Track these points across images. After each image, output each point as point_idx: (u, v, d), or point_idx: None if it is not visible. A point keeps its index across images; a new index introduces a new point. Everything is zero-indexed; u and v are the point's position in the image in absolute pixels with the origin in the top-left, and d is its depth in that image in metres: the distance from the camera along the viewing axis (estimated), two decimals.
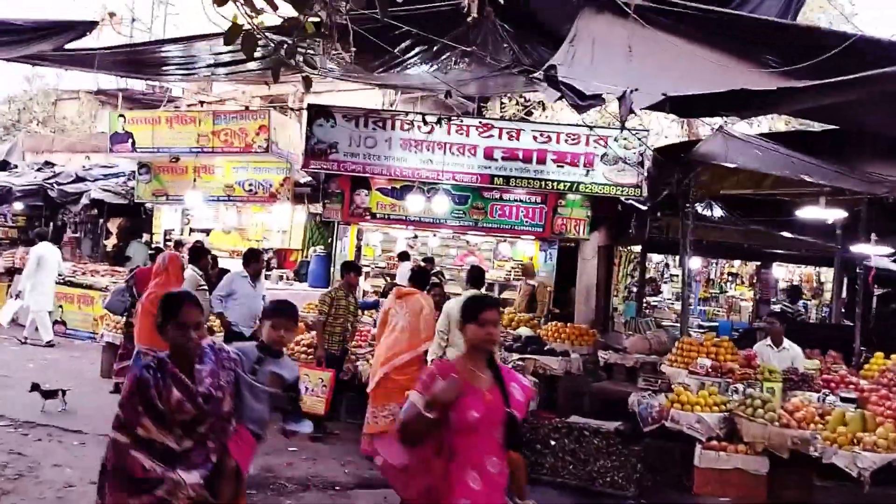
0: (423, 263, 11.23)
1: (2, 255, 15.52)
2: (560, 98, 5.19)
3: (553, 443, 6.46)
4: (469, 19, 5.75)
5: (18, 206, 16.82)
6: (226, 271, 9.40)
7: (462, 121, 12.07)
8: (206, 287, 8.53)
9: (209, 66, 8.67)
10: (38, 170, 16.87)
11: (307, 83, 5.75)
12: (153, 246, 13.48)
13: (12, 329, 13.02)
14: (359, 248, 12.95)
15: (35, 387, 8.09)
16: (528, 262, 12.75)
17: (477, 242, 14.09)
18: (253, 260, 8.65)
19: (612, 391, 8.34)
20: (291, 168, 13.84)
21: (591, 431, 6.62)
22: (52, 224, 17.51)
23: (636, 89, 4.96)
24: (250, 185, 14.18)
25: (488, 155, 11.80)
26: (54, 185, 15.52)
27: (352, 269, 8.56)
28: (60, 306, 14.19)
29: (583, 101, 5.16)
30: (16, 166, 17.84)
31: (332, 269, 13.13)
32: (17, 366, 10.77)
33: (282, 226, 14.54)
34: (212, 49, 7.69)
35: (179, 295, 3.59)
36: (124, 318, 9.67)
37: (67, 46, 7.18)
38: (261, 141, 13.24)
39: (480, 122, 12.14)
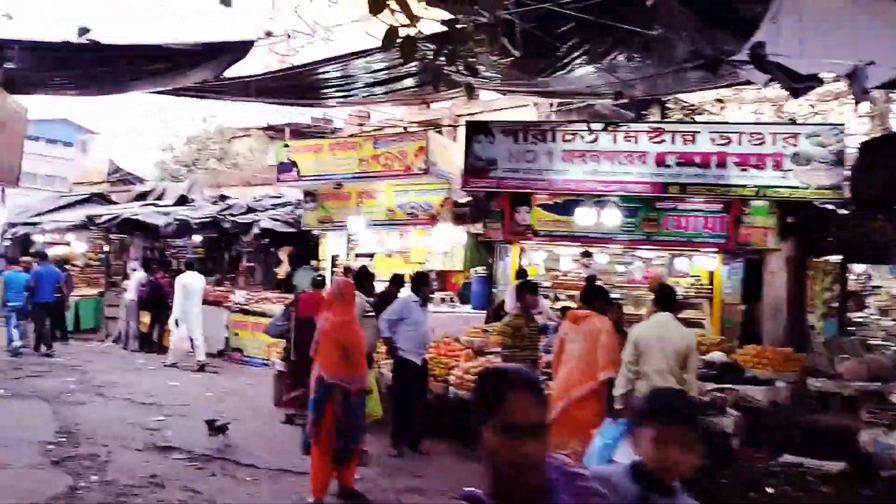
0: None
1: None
2: (770, 82, 4.36)
3: (771, 490, 5.47)
4: (648, 2, 5.05)
5: (197, 237, 17.78)
6: (385, 295, 9.14)
7: (630, 126, 11.21)
8: (373, 314, 8.28)
9: (367, 85, 8.48)
10: (214, 203, 17.77)
11: (469, 90, 5.26)
12: (317, 272, 13.62)
13: (180, 357, 13.60)
14: (522, 270, 12.32)
15: (210, 423, 8.18)
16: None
17: (650, 258, 13.04)
18: (423, 284, 8.35)
19: (828, 425, 7.16)
20: (451, 188, 13.54)
21: (814, 475, 5.57)
22: (227, 254, 18.37)
23: (871, 62, 4.04)
24: (411, 207, 14.03)
25: (660, 161, 10.84)
26: (227, 216, 16.22)
27: (529, 289, 7.88)
28: (236, 333, 14.70)
29: (797, 82, 4.31)
30: (193, 200, 18.91)
31: (492, 289, 12.65)
32: (195, 394, 11.11)
33: (443, 247, 14.25)
34: (369, 67, 7.46)
35: (506, 373, 2.06)
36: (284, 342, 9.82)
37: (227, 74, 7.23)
38: (420, 163, 13.04)
39: (651, 127, 11.22)
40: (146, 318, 15.43)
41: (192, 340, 13.48)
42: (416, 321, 8.01)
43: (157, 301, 15.10)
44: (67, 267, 18.04)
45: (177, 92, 8.40)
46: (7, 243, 19.77)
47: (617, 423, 5.54)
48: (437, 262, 14.52)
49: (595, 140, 11.09)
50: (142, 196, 21.03)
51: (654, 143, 10.88)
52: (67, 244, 20.41)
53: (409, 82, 8.29)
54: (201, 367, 13.16)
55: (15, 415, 9.15)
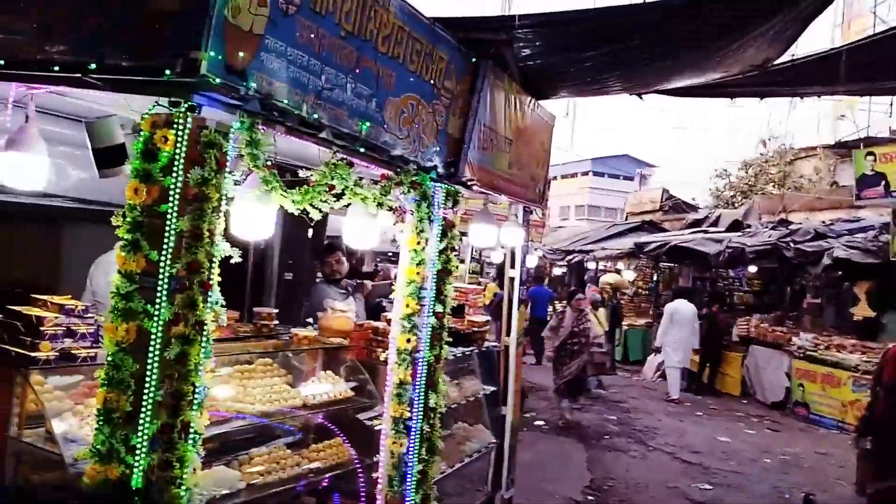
0: None
1: (737, 324, 14.38)
2: None
3: None
4: None
5: (752, 268, 15.62)
6: None
7: None
8: None
9: None
10: (773, 228, 15.35)
11: None
12: None
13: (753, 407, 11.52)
14: None
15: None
16: None
17: None
18: None
19: None
20: None
21: None
22: (787, 288, 15.74)
23: None
24: None
25: None
26: (790, 244, 13.65)
27: None
28: (801, 385, 12.08)
29: None
30: (748, 226, 16.81)
31: None
32: (750, 457, 9.03)
33: None
34: None
35: None
36: None
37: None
38: None
39: None
40: (696, 356, 13.93)
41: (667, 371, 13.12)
42: None
43: (710, 337, 13.53)
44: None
45: (724, 90, 6.66)
46: (563, 269, 20.74)
47: None
48: None
49: None
50: (694, 224, 19.84)
51: None
52: (617, 272, 20.40)
53: None
54: (670, 400, 12.61)
55: (548, 455, 8.49)
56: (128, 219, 2.67)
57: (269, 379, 4.54)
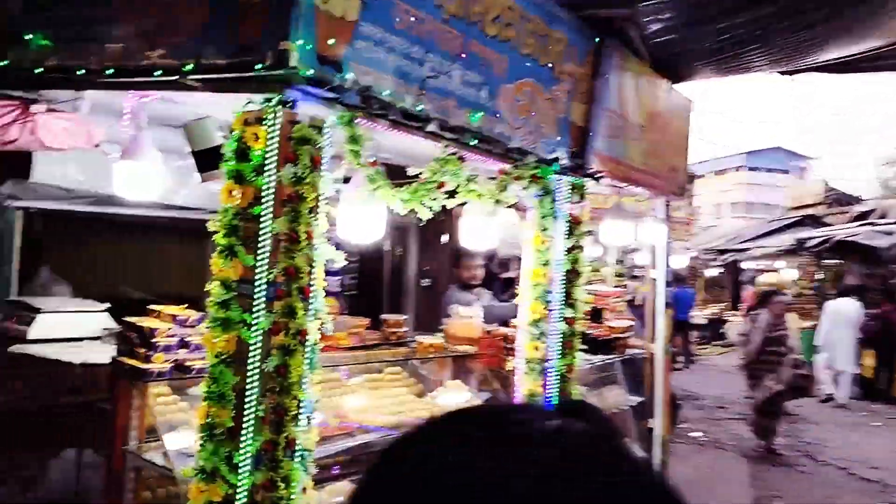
0: None
1: None
2: None
3: None
4: None
5: None
6: None
7: None
8: None
9: None
10: None
11: None
12: None
13: None
14: None
15: None
16: None
17: None
18: None
19: None
20: None
21: None
22: None
23: None
24: None
25: None
26: None
27: None
28: None
29: None
30: None
31: None
32: None
33: None
34: None
35: None
36: None
37: None
38: None
39: None
40: (869, 358, 12.53)
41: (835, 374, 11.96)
42: None
43: (884, 339, 12.15)
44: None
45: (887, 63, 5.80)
46: (719, 270, 19.54)
47: None
48: None
49: None
50: (860, 217, 18.05)
51: None
52: (776, 271, 18.92)
53: None
54: (828, 398, 11.67)
55: (705, 471, 7.79)
56: (223, 223, 2.54)
57: (398, 389, 4.36)
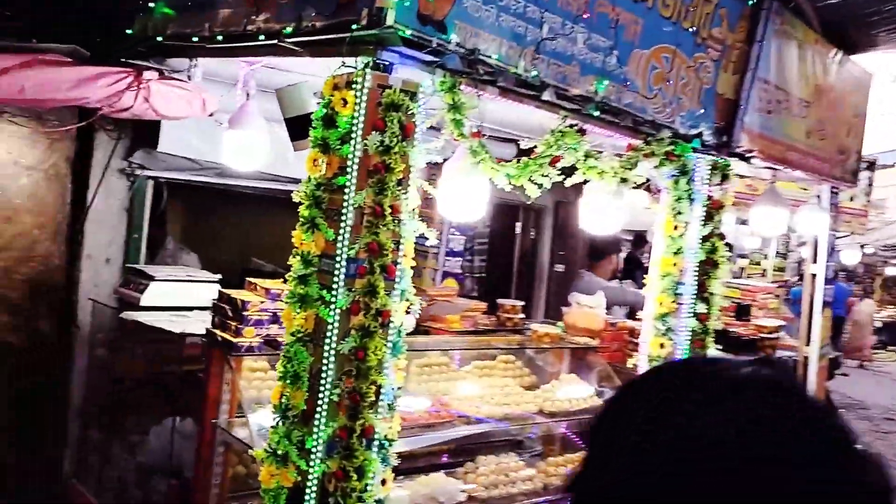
0: None
1: None
2: None
3: None
4: None
5: None
6: None
7: None
8: None
9: None
10: None
11: None
12: None
13: None
14: None
15: None
16: None
17: None
18: None
19: None
20: None
21: None
22: None
23: None
24: None
25: None
26: None
27: None
28: None
29: None
30: None
31: None
32: None
33: None
34: None
35: None
36: None
37: None
38: None
39: None
40: None
41: None
42: None
43: None
44: None
45: None
46: None
47: None
48: None
49: None
50: None
51: None
52: None
53: None
54: None
55: None
56: (306, 194, 2.38)
57: (507, 379, 4.11)
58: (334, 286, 2.30)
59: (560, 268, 7.46)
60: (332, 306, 2.30)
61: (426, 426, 3.37)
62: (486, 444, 3.77)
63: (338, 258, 2.30)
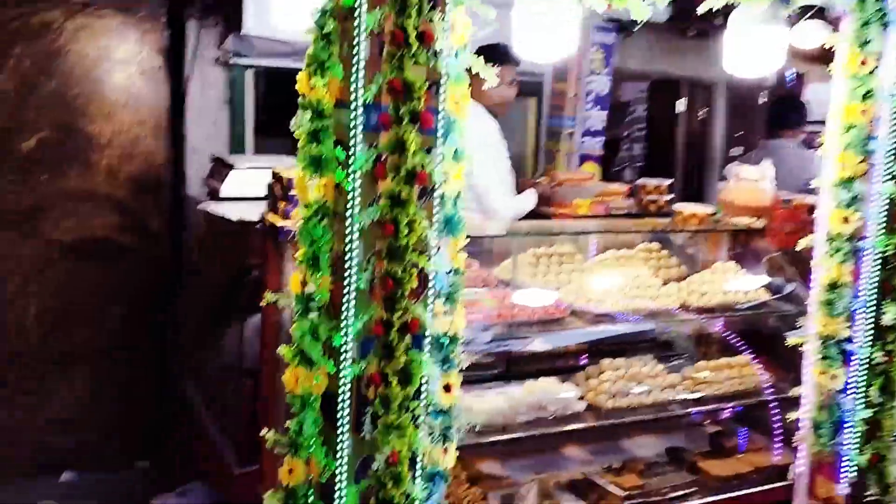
0: None
1: None
2: None
3: None
4: None
5: None
6: None
7: None
8: None
9: None
10: None
11: None
12: None
13: None
14: None
15: None
16: None
17: None
18: None
19: None
20: None
21: None
22: None
23: None
24: None
25: None
26: None
27: None
28: None
29: None
30: None
31: None
32: None
33: None
34: None
35: None
36: None
37: None
38: None
39: None
40: None
41: None
42: None
43: None
44: None
45: None
46: None
47: None
48: None
49: None
50: None
51: None
52: None
53: None
54: None
55: None
56: (316, 24, 1.84)
57: (650, 270, 3.43)
58: (350, 142, 1.78)
59: (737, 151, 6.46)
60: (350, 168, 1.79)
61: (535, 324, 2.84)
62: (616, 347, 3.16)
63: (352, 105, 1.77)
